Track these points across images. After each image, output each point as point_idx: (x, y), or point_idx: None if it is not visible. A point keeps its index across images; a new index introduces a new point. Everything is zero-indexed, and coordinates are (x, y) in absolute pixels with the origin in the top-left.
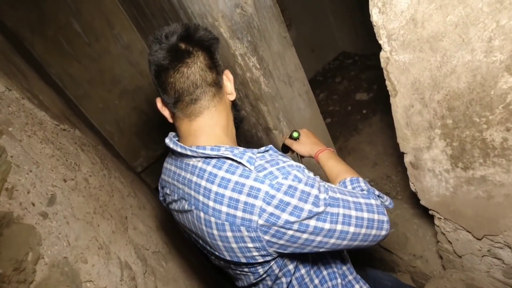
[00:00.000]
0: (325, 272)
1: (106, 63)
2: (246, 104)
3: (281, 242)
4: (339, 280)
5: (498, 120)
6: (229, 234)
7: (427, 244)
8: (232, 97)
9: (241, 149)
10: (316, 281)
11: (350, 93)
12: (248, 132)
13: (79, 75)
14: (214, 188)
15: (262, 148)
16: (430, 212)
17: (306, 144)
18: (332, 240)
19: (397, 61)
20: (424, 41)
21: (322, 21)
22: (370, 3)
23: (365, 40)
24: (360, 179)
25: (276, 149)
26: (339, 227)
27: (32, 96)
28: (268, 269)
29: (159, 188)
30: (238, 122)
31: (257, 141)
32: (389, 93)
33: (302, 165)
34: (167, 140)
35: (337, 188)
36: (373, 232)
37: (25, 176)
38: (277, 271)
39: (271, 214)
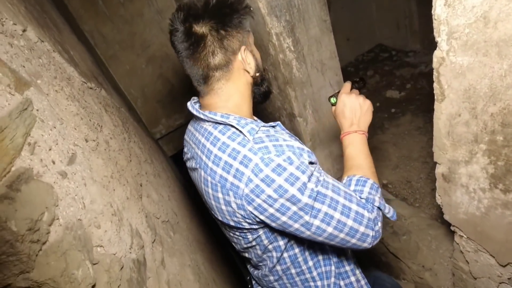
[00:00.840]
0: (320, 257)
1: (137, 26)
2: (274, 87)
3: (262, 217)
4: (333, 268)
5: None
6: (219, 195)
7: (439, 258)
8: (251, 74)
9: (249, 120)
10: (310, 263)
11: (381, 89)
12: (271, 115)
13: (111, 35)
14: (215, 150)
15: (270, 123)
16: (452, 228)
17: (338, 115)
18: (308, 232)
19: (453, 63)
20: (492, 44)
21: (364, 9)
22: None
23: (406, 35)
24: (370, 182)
25: (284, 127)
26: (317, 222)
27: (63, 50)
28: (256, 237)
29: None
30: (260, 97)
31: None
32: (435, 97)
33: (306, 149)
34: (188, 104)
35: (333, 184)
36: (353, 241)
37: (49, 132)
38: (265, 242)
39: (257, 185)
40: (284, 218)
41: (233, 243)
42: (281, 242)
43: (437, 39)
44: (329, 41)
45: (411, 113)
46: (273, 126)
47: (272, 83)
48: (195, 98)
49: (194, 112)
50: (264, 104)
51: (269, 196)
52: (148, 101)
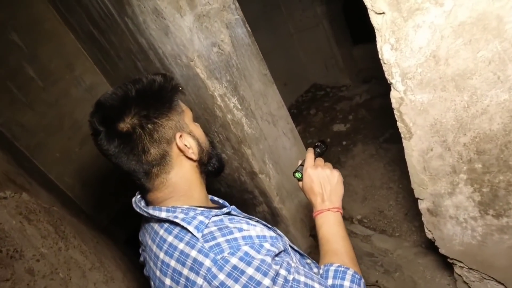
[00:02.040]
0: None
1: (65, 108)
2: (228, 148)
3: None
4: None
5: None
6: None
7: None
8: (193, 158)
9: (199, 210)
10: None
11: (327, 124)
12: (230, 176)
13: (33, 122)
14: (161, 255)
15: (223, 209)
16: (450, 260)
17: (307, 192)
18: None
19: (413, 102)
20: (448, 79)
21: (293, 55)
22: (379, 39)
23: (335, 72)
24: (350, 273)
25: (239, 211)
26: None
27: None
28: None
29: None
30: (212, 175)
31: (240, 185)
32: (402, 135)
33: (268, 235)
34: (132, 200)
35: (305, 283)
36: None
37: None
38: None
39: None
40: None
41: None
42: None
43: (391, 81)
44: (273, 92)
45: (361, 142)
46: (227, 213)
47: (225, 144)
48: (135, 196)
49: (137, 210)
50: None
51: None
52: (88, 185)
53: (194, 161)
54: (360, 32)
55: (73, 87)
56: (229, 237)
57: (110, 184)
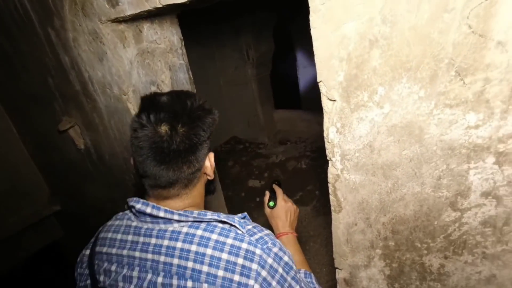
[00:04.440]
0: None
1: None
2: None
3: None
4: None
5: (438, 248)
6: None
7: None
8: (210, 177)
9: (223, 214)
10: None
11: (243, 179)
12: None
13: None
14: (209, 251)
15: (240, 215)
16: None
17: (275, 218)
18: None
19: (347, 180)
20: (378, 167)
21: (218, 107)
22: (327, 121)
23: (256, 130)
24: (313, 275)
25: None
26: None
27: None
28: None
29: (79, 266)
30: (210, 193)
31: None
32: (332, 208)
33: None
34: (138, 204)
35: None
36: None
37: None
38: None
39: (264, 279)
40: None
41: None
42: None
43: (332, 158)
44: None
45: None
46: (244, 217)
47: (142, 189)
48: (138, 199)
49: (161, 214)
50: None
51: None
52: None
53: (207, 178)
54: (282, 99)
55: None
56: (263, 233)
57: None
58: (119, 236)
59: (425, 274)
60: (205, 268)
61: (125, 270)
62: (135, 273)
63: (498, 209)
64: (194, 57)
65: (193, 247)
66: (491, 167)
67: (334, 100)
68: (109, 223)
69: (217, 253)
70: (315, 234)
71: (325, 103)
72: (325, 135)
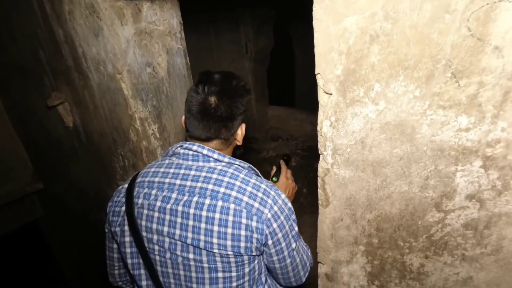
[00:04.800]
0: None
1: None
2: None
3: (270, 242)
4: None
5: (419, 248)
6: (243, 221)
7: None
8: (239, 143)
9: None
10: None
11: None
12: None
13: None
14: (238, 183)
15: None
16: None
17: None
18: (285, 262)
19: (336, 175)
20: (368, 163)
21: None
22: (321, 114)
23: (250, 124)
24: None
25: None
26: (295, 252)
27: None
28: (251, 269)
29: (116, 195)
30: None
31: None
32: (320, 202)
33: None
34: (186, 144)
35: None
36: (301, 273)
37: None
38: (256, 273)
39: (275, 212)
40: (283, 244)
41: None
42: (262, 276)
43: (323, 152)
44: None
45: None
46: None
47: (129, 172)
48: (184, 142)
49: (204, 151)
50: None
51: (281, 223)
52: None
53: (237, 144)
54: (277, 95)
55: None
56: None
57: None
58: (161, 169)
59: (405, 273)
60: (234, 193)
61: (165, 192)
62: (174, 195)
63: (480, 212)
64: (191, 46)
65: (226, 179)
66: (478, 170)
67: (330, 94)
68: (149, 164)
69: (243, 185)
70: (300, 231)
71: (321, 96)
72: (318, 128)
